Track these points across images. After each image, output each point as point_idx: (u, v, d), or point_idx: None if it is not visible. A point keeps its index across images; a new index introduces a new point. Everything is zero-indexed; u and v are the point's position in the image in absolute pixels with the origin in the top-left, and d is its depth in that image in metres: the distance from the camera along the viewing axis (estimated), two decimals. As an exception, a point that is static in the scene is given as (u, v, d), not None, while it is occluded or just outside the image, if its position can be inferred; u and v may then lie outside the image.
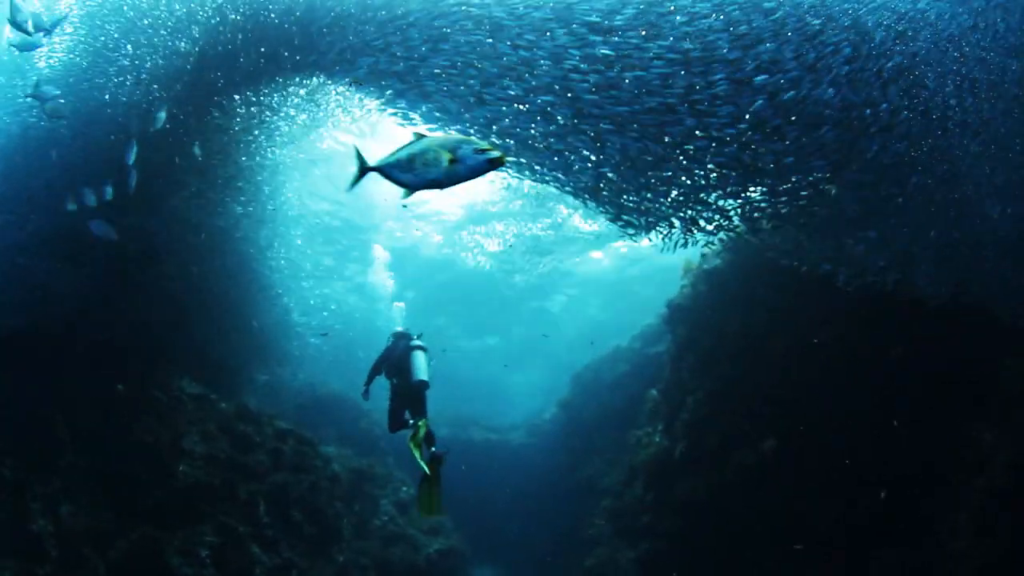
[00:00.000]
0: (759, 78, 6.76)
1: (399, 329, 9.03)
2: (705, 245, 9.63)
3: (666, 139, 7.54)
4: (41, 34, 7.41)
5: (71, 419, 9.25)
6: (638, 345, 18.22)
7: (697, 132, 7.32)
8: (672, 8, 6.88)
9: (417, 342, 8.46)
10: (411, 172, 3.71)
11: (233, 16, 9.02)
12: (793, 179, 7.82)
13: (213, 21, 9.07)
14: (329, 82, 10.17)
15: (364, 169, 4.08)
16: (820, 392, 8.90)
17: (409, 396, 8.23)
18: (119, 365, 10.20)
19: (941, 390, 8.03)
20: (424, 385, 8.05)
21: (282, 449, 12.14)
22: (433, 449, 7.71)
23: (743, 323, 10.19)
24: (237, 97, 10.33)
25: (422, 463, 7.58)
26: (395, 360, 8.49)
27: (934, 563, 7.57)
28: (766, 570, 9.11)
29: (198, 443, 10.49)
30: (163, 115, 8.60)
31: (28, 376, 9.03)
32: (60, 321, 9.48)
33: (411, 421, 8.06)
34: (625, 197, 8.63)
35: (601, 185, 8.45)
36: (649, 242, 9.71)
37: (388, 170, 3.85)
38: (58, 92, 8.12)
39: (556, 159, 8.35)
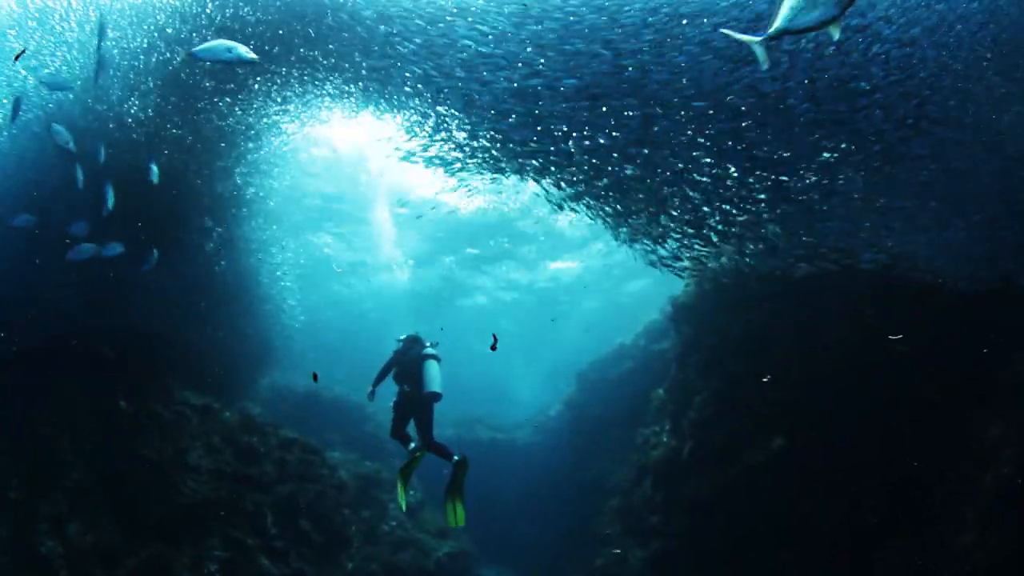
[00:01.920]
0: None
1: (411, 334, 8.84)
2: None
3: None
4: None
5: (75, 438, 9.22)
6: (643, 342, 18.17)
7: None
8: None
9: (431, 350, 8.23)
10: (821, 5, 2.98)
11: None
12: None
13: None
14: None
15: (769, 39, 3.25)
16: (825, 390, 8.84)
17: (418, 405, 8.13)
18: (120, 380, 10.16)
19: (946, 386, 7.97)
20: (436, 397, 7.92)
21: (287, 459, 12.12)
22: (456, 457, 7.69)
23: (748, 321, 10.13)
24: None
25: (402, 498, 7.73)
26: (406, 366, 8.25)
27: (941, 559, 7.53)
28: (774, 569, 9.08)
29: (203, 457, 10.46)
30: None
31: (29, 396, 9.01)
32: (57, 333, 9.47)
33: (412, 445, 7.93)
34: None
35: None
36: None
37: (801, 23, 3.05)
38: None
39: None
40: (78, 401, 9.53)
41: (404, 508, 7.95)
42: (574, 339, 30.07)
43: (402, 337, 8.80)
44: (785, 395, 9.33)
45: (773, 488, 9.22)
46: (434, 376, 7.95)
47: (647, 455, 12.72)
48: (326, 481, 12.66)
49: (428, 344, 8.42)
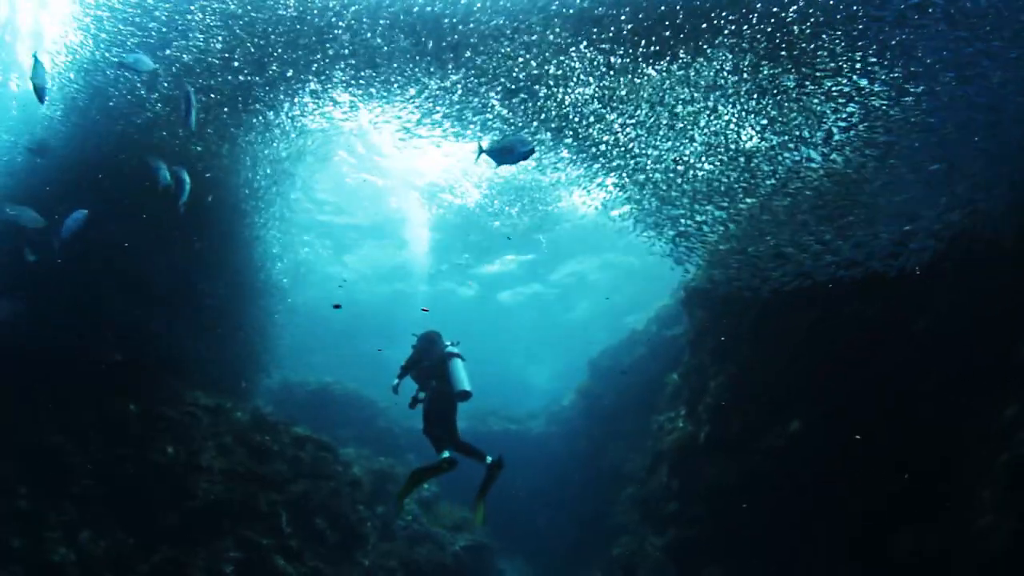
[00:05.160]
0: None
1: (427, 331, 8.66)
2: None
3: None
4: None
5: (84, 443, 9.15)
6: (655, 328, 17.94)
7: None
8: None
9: (453, 349, 8.05)
10: None
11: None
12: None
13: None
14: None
15: None
16: (842, 373, 8.63)
17: (446, 404, 7.92)
18: (128, 384, 10.07)
19: (963, 364, 7.74)
20: (467, 396, 7.75)
21: (301, 457, 12.02)
22: (489, 459, 7.54)
23: (763, 304, 9.91)
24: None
25: (403, 499, 7.60)
26: (430, 365, 8.06)
27: (957, 542, 7.34)
28: (791, 554, 8.93)
29: (215, 458, 10.37)
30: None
31: (36, 402, 8.93)
32: (61, 340, 9.40)
33: (445, 455, 7.73)
34: None
35: None
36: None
37: None
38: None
39: None
40: (86, 406, 9.46)
41: (402, 510, 7.76)
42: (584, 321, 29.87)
43: (418, 333, 8.64)
44: (804, 374, 9.13)
45: (790, 473, 9.04)
46: (462, 375, 7.79)
47: (662, 441, 12.55)
48: (340, 478, 12.57)
49: (449, 343, 8.27)
